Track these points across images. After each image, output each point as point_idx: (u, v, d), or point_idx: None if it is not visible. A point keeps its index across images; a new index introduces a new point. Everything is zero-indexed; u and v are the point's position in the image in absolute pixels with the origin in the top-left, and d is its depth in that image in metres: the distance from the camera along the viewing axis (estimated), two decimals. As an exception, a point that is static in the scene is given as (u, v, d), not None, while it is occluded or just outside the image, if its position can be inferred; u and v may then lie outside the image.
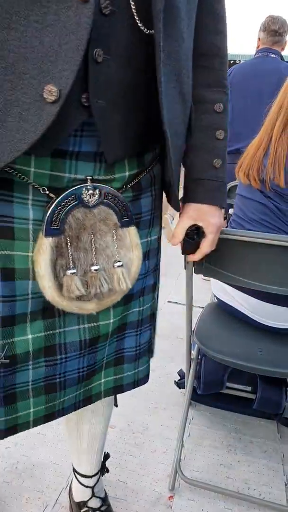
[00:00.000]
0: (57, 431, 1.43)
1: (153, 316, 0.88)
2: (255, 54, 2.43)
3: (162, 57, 0.60)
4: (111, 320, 0.76)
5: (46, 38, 0.52)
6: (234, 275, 1.11)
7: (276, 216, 1.18)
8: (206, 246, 0.84)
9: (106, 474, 1.25)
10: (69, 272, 0.66)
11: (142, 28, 0.59)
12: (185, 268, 1.15)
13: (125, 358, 0.83)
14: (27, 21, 0.51)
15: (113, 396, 1.04)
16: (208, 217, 0.81)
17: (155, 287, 0.86)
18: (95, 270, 0.68)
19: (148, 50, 0.61)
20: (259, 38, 2.41)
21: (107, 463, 1.18)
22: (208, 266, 1.12)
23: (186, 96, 0.72)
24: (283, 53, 2.43)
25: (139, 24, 0.59)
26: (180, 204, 0.82)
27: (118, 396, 1.64)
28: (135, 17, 0.58)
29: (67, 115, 0.57)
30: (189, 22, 0.68)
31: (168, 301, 2.53)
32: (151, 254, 0.82)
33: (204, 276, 1.17)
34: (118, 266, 0.70)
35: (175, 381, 1.67)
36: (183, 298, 1.23)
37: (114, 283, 0.70)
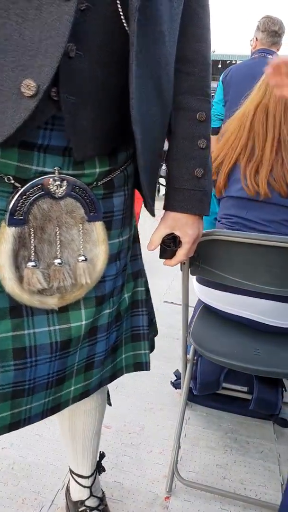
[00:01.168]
0: (53, 431, 1.43)
1: (141, 304, 0.89)
2: (252, 55, 2.44)
3: (135, 57, 0.58)
4: (83, 322, 0.74)
5: (26, 32, 0.52)
6: (230, 276, 1.11)
7: None
8: (182, 255, 0.83)
9: (102, 475, 1.24)
10: (30, 264, 0.64)
11: (126, 26, 0.58)
12: (181, 270, 1.15)
13: (95, 364, 0.81)
14: (8, 14, 0.51)
15: (106, 395, 1.03)
16: (185, 227, 0.80)
17: (123, 287, 0.84)
18: (59, 263, 0.66)
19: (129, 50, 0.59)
20: (256, 38, 2.40)
21: (103, 462, 1.17)
22: (204, 267, 1.13)
23: (166, 101, 0.70)
24: (279, 54, 2.43)
25: (123, 21, 0.58)
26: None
27: (113, 395, 1.64)
28: (120, 13, 0.58)
29: (35, 108, 0.55)
30: (171, 26, 0.67)
31: (164, 301, 2.54)
32: (122, 255, 0.80)
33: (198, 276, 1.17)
34: (82, 261, 0.68)
35: (171, 381, 1.68)
36: (179, 298, 1.24)
37: (77, 278, 0.69)
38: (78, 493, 1.11)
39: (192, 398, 1.57)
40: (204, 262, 1.12)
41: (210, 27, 0.76)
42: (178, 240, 0.82)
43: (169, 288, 2.73)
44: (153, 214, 0.79)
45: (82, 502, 1.10)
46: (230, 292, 1.25)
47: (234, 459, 1.38)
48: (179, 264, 1.11)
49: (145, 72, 0.62)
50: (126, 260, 0.83)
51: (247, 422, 1.55)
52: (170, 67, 0.69)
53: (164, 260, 0.87)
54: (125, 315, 0.86)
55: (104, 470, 1.16)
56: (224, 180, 1.27)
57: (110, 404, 1.04)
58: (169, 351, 1.98)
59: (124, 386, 1.72)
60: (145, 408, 1.60)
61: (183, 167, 0.77)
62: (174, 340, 2.08)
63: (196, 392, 1.47)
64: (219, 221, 1.32)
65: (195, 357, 1.42)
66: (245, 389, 1.48)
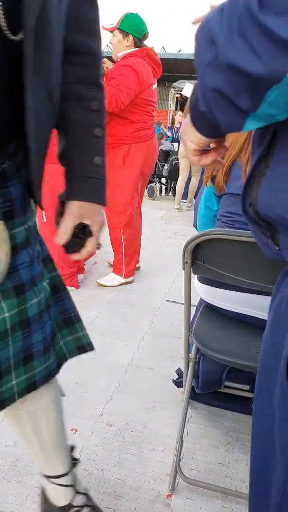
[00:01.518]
0: (56, 429, 1.44)
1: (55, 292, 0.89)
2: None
3: (32, 73, 0.59)
4: (6, 314, 0.74)
5: None
6: (233, 275, 1.11)
7: None
8: (93, 244, 0.83)
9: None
10: None
11: (9, 34, 0.58)
12: (183, 269, 1.15)
13: (35, 354, 0.80)
14: None
15: (57, 388, 0.98)
16: (94, 215, 0.80)
17: (43, 275, 0.84)
18: None
19: (12, 56, 0.59)
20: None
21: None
22: (206, 266, 1.13)
23: (56, 101, 0.71)
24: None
25: (6, 31, 0.57)
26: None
27: (116, 394, 1.65)
28: (4, 27, 0.57)
29: None
30: (59, 28, 0.68)
31: (166, 300, 2.54)
32: (32, 241, 0.80)
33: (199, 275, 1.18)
34: None
35: (173, 380, 1.68)
36: (181, 297, 1.24)
37: None
38: (63, 496, 1.05)
39: (194, 396, 1.57)
40: (207, 261, 1.12)
41: (95, 19, 0.78)
42: (88, 230, 0.81)
43: (171, 287, 2.74)
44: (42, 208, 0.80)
45: (70, 505, 1.03)
46: (232, 290, 1.25)
47: (236, 457, 1.39)
48: (181, 263, 1.12)
49: (39, 82, 0.63)
50: (38, 247, 0.83)
51: (249, 421, 1.56)
52: (59, 68, 0.71)
53: (73, 254, 0.84)
54: (51, 302, 0.86)
55: (78, 461, 1.09)
56: (224, 176, 1.27)
57: (64, 395, 0.99)
58: (171, 350, 1.99)
59: (126, 385, 1.73)
60: (147, 406, 1.61)
61: (84, 155, 0.78)
62: (176, 339, 2.09)
63: (198, 391, 1.48)
64: (219, 219, 1.32)
65: (197, 356, 1.43)
66: (247, 387, 1.48)
